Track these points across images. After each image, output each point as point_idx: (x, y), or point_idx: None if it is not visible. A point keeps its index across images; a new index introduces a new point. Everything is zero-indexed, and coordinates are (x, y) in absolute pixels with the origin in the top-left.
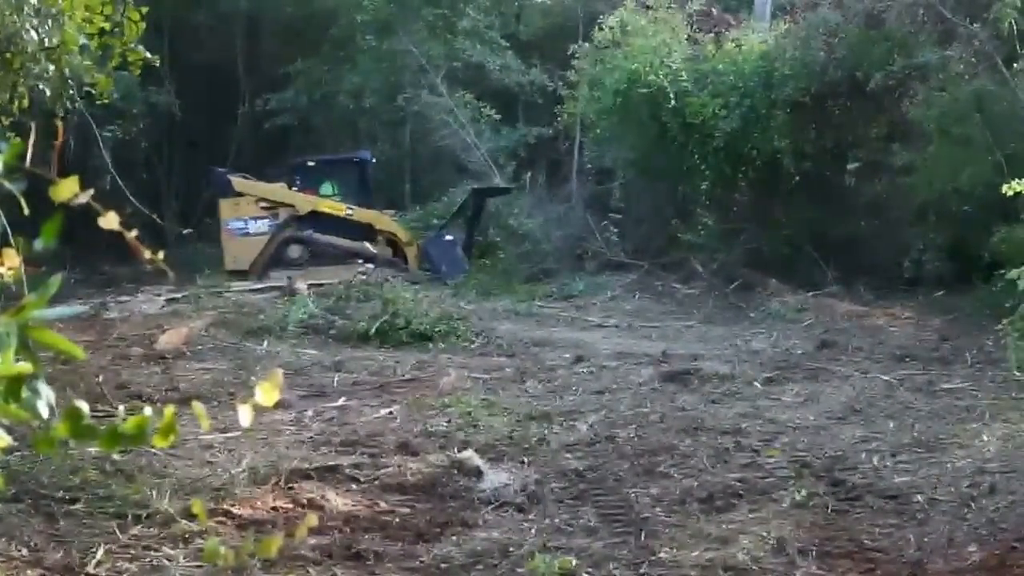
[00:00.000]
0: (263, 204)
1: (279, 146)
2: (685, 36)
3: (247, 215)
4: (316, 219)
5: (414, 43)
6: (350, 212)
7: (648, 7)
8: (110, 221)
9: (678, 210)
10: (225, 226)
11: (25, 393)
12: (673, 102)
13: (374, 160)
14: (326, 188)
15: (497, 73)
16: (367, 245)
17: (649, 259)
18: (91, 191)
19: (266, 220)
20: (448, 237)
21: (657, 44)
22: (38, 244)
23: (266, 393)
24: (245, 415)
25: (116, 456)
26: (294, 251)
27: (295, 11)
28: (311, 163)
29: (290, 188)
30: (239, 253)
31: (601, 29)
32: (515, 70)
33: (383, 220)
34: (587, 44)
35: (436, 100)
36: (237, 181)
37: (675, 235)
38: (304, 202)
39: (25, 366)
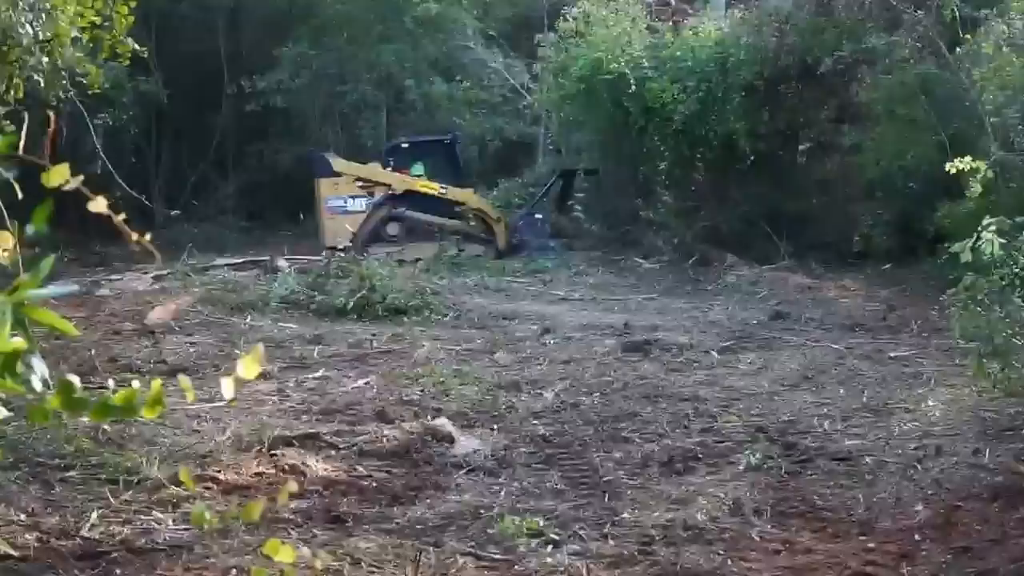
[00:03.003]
0: (360, 183)
1: (262, 130)
2: (644, 25)
3: (346, 194)
4: (410, 198)
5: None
6: (443, 191)
7: None
8: (99, 205)
9: (640, 190)
10: (325, 204)
11: (20, 368)
12: (634, 88)
13: (459, 140)
14: (417, 168)
15: (470, 63)
16: (458, 222)
17: (612, 236)
18: (81, 177)
19: (363, 199)
20: (538, 215)
21: (618, 33)
22: (29, 229)
23: (248, 367)
24: (228, 388)
25: (108, 426)
26: (392, 228)
27: (276, 1)
28: (404, 144)
29: (384, 168)
30: (337, 230)
31: (565, 20)
32: (488, 61)
33: (474, 198)
34: (552, 34)
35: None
36: (337, 161)
37: (637, 213)
38: (400, 181)
39: (20, 342)
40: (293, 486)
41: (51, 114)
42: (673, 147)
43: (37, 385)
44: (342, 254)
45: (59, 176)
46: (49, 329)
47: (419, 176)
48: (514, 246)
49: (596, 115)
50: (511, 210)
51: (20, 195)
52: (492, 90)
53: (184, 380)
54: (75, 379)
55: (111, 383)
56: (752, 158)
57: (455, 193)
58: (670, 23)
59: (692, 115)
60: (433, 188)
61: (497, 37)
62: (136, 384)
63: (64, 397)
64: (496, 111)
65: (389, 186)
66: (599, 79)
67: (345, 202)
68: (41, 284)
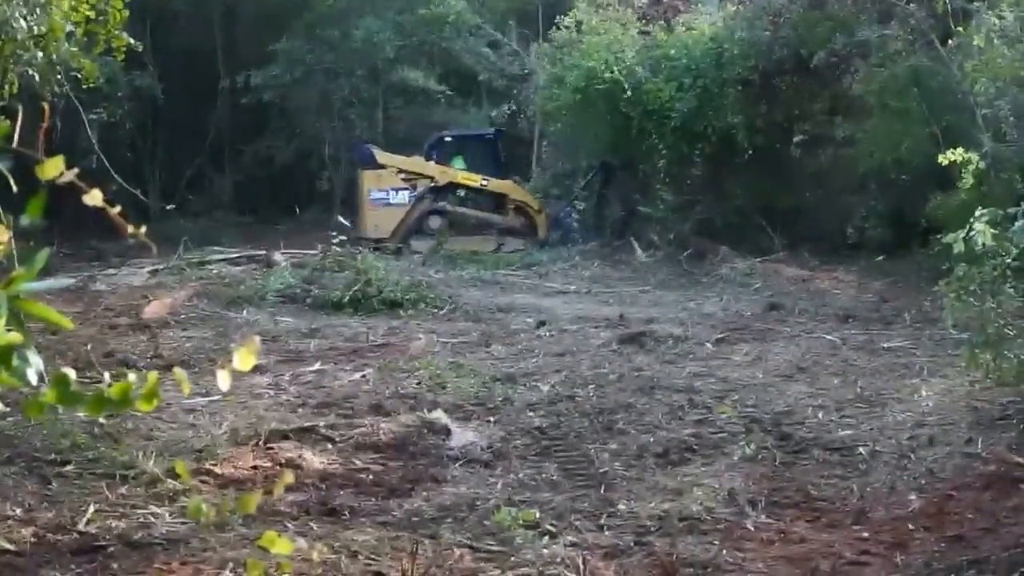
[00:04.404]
0: (403, 176)
1: (257, 125)
2: (636, 30)
3: (389, 186)
4: (452, 190)
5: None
6: (485, 183)
7: (599, 6)
8: (94, 198)
9: (639, 186)
10: (368, 196)
11: (15, 361)
12: (628, 94)
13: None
14: (458, 162)
15: (466, 57)
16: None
17: (610, 232)
18: (76, 170)
19: (406, 191)
20: (580, 206)
21: (610, 41)
22: (24, 220)
23: (243, 359)
24: (223, 380)
25: (104, 420)
26: (434, 221)
27: None
28: (448, 138)
29: (427, 161)
30: (380, 222)
31: (558, 28)
32: (480, 53)
33: (516, 190)
34: (547, 44)
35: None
36: (380, 154)
37: (636, 209)
38: (442, 174)
39: (15, 336)
40: (289, 478)
41: (44, 107)
42: (672, 144)
43: (32, 379)
44: (337, 248)
45: (53, 169)
46: (44, 323)
47: (461, 169)
48: (557, 237)
49: (594, 121)
50: (550, 201)
51: (15, 189)
52: (489, 83)
53: (179, 372)
54: (70, 372)
55: (107, 376)
56: (751, 151)
57: (496, 185)
58: (662, 21)
59: (690, 112)
60: (475, 180)
61: (497, 30)
62: (132, 377)
63: (59, 391)
64: (493, 104)
65: (432, 178)
66: (594, 89)
67: (388, 194)
68: (36, 277)
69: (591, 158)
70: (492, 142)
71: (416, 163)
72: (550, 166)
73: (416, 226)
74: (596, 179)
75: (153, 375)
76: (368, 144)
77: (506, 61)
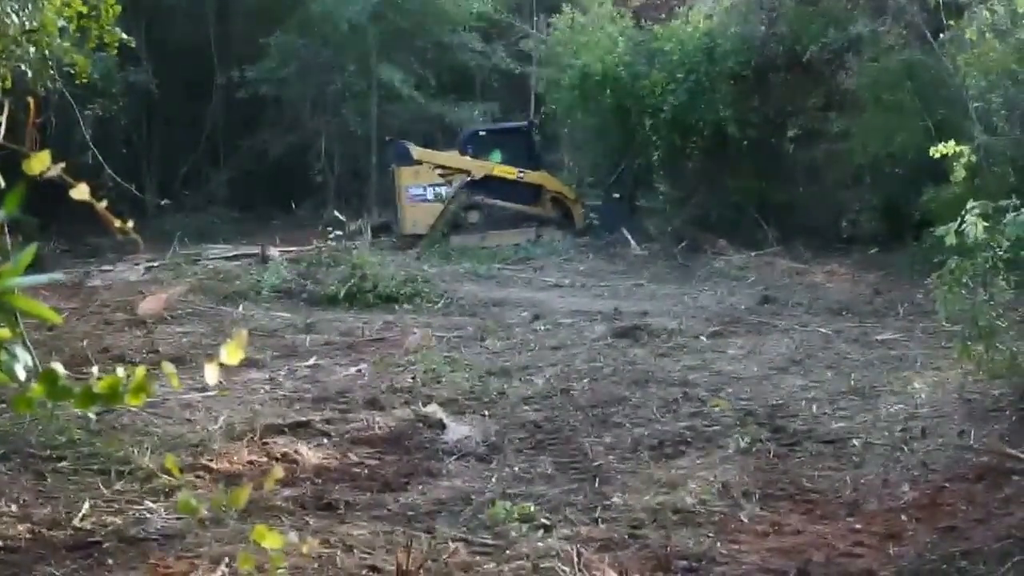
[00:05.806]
0: (440, 171)
1: (253, 120)
2: (629, 20)
3: (426, 182)
4: (488, 184)
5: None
6: (521, 176)
7: (586, 9)
8: (81, 192)
9: (635, 179)
10: (406, 192)
11: (3, 357)
12: (623, 79)
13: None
14: (495, 156)
15: (461, 53)
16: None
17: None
18: (62, 164)
19: (443, 187)
20: (616, 195)
21: (601, 37)
22: (1, 214)
23: (231, 353)
24: (211, 374)
25: (98, 416)
26: (472, 216)
27: None
28: (482, 133)
29: (462, 155)
30: (418, 218)
31: (554, 29)
32: (475, 50)
33: (551, 182)
34: (544, 41)
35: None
36: (416, 150)
37: (634, 203)
38: (479, 168)
39: (2, 331)
40: (280, 473)
41: (30, 100)
42: (665, 136)
43: (21, 374)
44: (332, 243)
45: (40, 164)
46: (38, 319)
47: (497, 163)
48: (596, 227)
49: (591, 116)
50: (584, 191)
51: (2, 184)
52: (483, 77)
53: (168, 366)
54: (59, 367)
55: (95, 371)
56: (745, 143)
57: (532, 177)
58: (663, 15)
59: (682, 105)
60: (511, 173)
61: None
62: (120, 372)
63: (48, 386)
64: (486, 97)
65: (468, 173)
66: (590, 84)
67: (424, 190)
68: (24, 273)
69: (598, 157)
70: (526, 134)
71: (452, 158)
72: (571, 160)
73: (453, 222)
74: (625, 174)
75: (142, 369)
76: (403, 141)
77: (499, 57)
